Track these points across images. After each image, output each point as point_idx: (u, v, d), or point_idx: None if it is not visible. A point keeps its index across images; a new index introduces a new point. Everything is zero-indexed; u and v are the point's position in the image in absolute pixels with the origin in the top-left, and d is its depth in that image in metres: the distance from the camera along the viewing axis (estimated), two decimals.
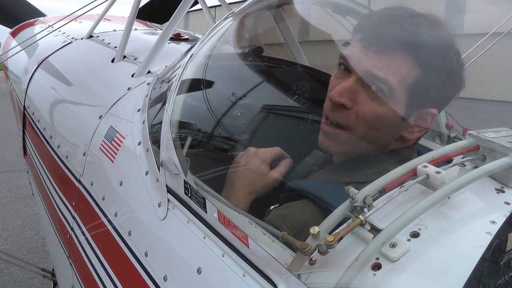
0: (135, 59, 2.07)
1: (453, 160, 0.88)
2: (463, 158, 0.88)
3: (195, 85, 1.46)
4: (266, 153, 1.27)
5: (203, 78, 1.53)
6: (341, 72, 1.11)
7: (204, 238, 1.01)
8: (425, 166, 0.81)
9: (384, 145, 1.12)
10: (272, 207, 1.11)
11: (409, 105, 1.04)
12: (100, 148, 1.62)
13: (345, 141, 1.11)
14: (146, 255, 1.17)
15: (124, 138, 1.53)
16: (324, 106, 1.14)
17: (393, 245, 0.71)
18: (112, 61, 2.12)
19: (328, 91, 1.12)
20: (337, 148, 1.14)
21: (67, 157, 1.86)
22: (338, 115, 1.09)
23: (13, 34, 3.55)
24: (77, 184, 1.70)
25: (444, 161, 0.86)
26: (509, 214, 0.74)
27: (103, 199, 1.48)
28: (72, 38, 2.66)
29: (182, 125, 1.35)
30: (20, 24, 3.60)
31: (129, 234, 1.28)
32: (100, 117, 1.73)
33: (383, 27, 1.08)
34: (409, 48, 1.02)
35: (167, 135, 1.21)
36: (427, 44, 1.04)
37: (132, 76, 1.88)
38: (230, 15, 1.49)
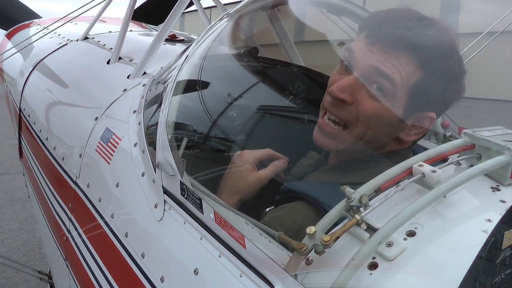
0: (130, 60, 2.07)
1: (448, 159, 0.88)
2: (458, 157, 0.88)
3: (191, 86, 1.46)
4: (251, 154, 1.26)
5: (199, 79, 1.53)
6: (343, 68, 1.10)
7: (201, 239, 1.02)
8: (420, 165, 0.81)
9: (381, 145, 1.12)
10: (268, 209, 1.11)
11: (409, 106, 1.04)
12: (96, 150, 1.61)
13: (344, 140, 1.10)
14: (143, 256, 1.17)
15: (120, 139, 1.53)
16: (323, 101, 1.14)
17: (389, 244, 0.72)
18: (108, 62, 2.12)
19: (328, 86, 1.11)
20: (335, 146, 1.14)
21: (63, 159, 1.86)
22: (337, 111, 1.09)
23: (8, 36, 3.54)
24: (73, 186, 1.70)
25: (440, 160, 0.87)
26: (504, 212, 0.75)
27: (100, 201, 1.48)
28: (68, 40, 2.65)
29: (178, 126, 1.35)
30: (16, 26, 3.59)
31: (126, 235, 1.27)
32: (96, 118, 1.73)
33: (389, 26, 1.08)
34: (414, 50, 1.02)
35: (163, 136, 1.21)
36: (432, 47, 1.04)
37: (128, 77, 1.87)
38: (225, 16, 1.50)
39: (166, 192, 1.18)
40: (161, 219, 1.17)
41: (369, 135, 1.08)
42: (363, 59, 1.05)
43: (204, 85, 1.59)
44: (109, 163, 1.52)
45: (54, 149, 1.97)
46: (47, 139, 2.09)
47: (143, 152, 1.36)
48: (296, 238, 0.74)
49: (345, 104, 1.06)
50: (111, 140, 1.56)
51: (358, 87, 1.05)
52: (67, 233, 1.71)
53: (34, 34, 2.96)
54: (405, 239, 0.73)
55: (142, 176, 1.32)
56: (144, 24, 3.20)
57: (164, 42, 1.99)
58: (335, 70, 1.13)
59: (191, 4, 2.15)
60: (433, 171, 0.79)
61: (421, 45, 1.03)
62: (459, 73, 1.07)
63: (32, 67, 2.58)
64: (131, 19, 2.21)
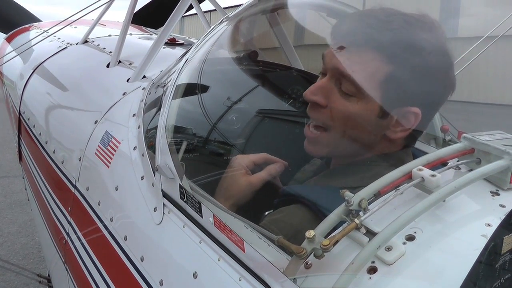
0: (130, 64, 2.07)
1: (448, 163, 0.88)
2: (458, 161, 0.89)
3: (190, 89, 1.46)
4: (245, 158, 1.26)
5: (198, 82, 1.53)
6: (321, 74, 1.12)
7: (200, 243, 1.01)
8: (420, 169, 0.81)
9: (368, 144, 1.10)
10: (266, 213, 1.11)
11: (385, 102, 1.02)
12: (95, 153, 1.61)
13: (325, 143, 1.11)
14: (142, 260, 1.17)
15: (119, 143, 1.53)
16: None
17: (388, 249, 0.72)
18: (107, 66, 2.12)
19: None
20: (320, 151, 1.15)
21: (62, 162, 1.86)
22: (313, 114, 1.10)
23: (8, 40, 3.54)
24: (72, 189, 1.70)
25: (439, 164, 0.87)
26: (504, 216, 0.75)
27: (99, 204, 1.48)
28: (67, 43, 2.65)
29: (177, 129, 1.35)
30: (15, 30, 3.59)
31: (125, 239, 1.27)
32: (96, 122, 1.73)
33: (352, 26, 1.09)
34: (376, 45, 1.01)
35: (162, 140, 1.21)
36: (397, 41, 1.02)
37: (127, 81, 1.87)
38: (225, 20, 1.50)
39: (165, 195, 1.18)
40: (160, 222, 1.17)
41: (349, 135, 1.08)
42: (329, 61, 1.07)
43: (204, 88, 1.59)
44: (108, 167, 1.52)
45: (54, 153, 1.97)
46: (46, 143, 2.09)
47: (143, 156, 1.36)
48: (293, 241, 0.74)
49: (320, 107, 1.08)
50: (110, 143, 1.56)
51: (329, 89, 1.06)
52: (66, 236, 1.71)
53: (34, 38, 2.97)
54: (404, 243, 0.73)
55: (142, 179, 1.32)
56: (143, 28, 3.20)
57: (163, 46, 1.99)
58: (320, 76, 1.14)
59: (190, 7, 2.16)
60: (433, 176, 0.79)
61: (384, 39, 1.02)
62: (441, 66, 1.04)
63: (32, 71, 2.58)
64: (131, 23, 2.22)
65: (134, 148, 1.44)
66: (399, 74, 1.00)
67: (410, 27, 1.03)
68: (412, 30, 1.03)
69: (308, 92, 1.09)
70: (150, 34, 2.97)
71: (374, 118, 1.04)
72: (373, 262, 0.71)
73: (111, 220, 1.38)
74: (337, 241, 0.71)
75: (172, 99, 1.30)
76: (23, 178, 2.88)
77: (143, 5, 3.62)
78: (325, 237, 0.72)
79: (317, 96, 1.08)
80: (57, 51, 2.60)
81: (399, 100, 1.04)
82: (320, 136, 1.11)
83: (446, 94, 1.08)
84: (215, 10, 2.76)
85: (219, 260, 0.94)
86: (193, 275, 0.98)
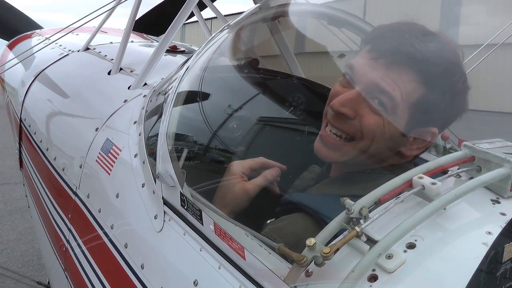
0: (131, 71, 2.08)
1: (448, 171, 0.88)
2: (458, 169, 0.89)
3: (191, 97, 1.47)
4: (241, 164, 1.24)
5: (199, 90, 1.54)
6: (345, 81, 1.11)
7: (201, 250, 1.01)
8: (420, 177, 0.81)
9: (383, 159, 1.11)
10: (268, 221, 1.10)
11: (411, 122, 1.04)
12: (96, 160, 1.62)
13: (347, 152, 1.10)
14: (142, 267, 1.17)
15: (120, 150, 1.53)
16: (325, 113, 1.14)
17: (389, 257, 0.71)
18: (109, 73, 2.13)
19: (330, 98, 1.11)
20: (337, 158, 1.13)
21: (63, 170, 1.86)
22: (340, 124, 1.09)
23: (10, 47, 3.56)
24: (73, 196, 1.70)
25: (440, 172, 0.87)
26: (505, 225, 0.75)
27: (100, 212, 1.48)
28: (69, 51, 2.67)
29: (178, 137, 1.35)
30: (17, 37, 3.61)
31: (126, 246, 1.27)
32: (97, 129, 1.73)
33: (393, 41, 1.08)
34: (416, 66, 1.01)
35: (163, 147, 1.21)
36: (435, 64, 1.04)
37: (129, 88, 1.88)
38: (226, 28, 1.51)
39: (166, 203, 1.18)
40: (161, 230, 1.17)
41: (371, 149, 1.08)
42: (365, 74, 1.06)
43: (205, 96, 1.60)
44: (109, 174, 1.52)
45: (55, 160, 1.97)
46: (47, 150, 2.09)
47: (144, 163, 1.36)
48: (295, 250, 0.74)
49: (347, 118, 1.07)
50: (111, 150, 1.57)
51: (359, 101, 1.06)
52: (66, 243, 1.71)
53: (36, 45, 2.98)
54: (405, 251, 0.73)
55: (142, 187, 1.32)
56: (145, 35, 3.22)
57: (165, 53, 2.00)
58: (337, 82, 1.13)
59: (192, 15, 2.17)
60: (433, 183, 0.79)
61: (424, 61, 1.02)
62: (463, 89, 1.07)
63: (33, 78, 2.59)
64: (132, 30, 2.23)
65: (135, 156, 1.44)
66: (431, 97, 1.02)
67: (444, 49, 1.05)
68: (446, 54, 1.05)
69: (338, 103, 1.08)
70: (152, 42, 2.98)
71: (397, 135, 1.06)
72: (373, 270, 0.71)
73: (112, 228, 1.38)
74: (337, 249, 0.71)
75: (173, 107, 1.30)
76: (23, 185, 2.88)
77: (144, 13, 3.65)
78: (326, 245, 0.72)
79: (346, 108, 1.07)
80: (59, 58, 2.61)
81: (424, 121, 1.06)
82: (342, 144, 1.10)
83: (461, 114, 1.11)
84: (216, 17, 2.78)
85: (219, 268, 0.94)
86: (194, 283, 0.98)
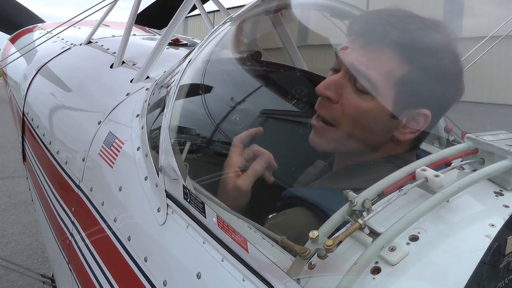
0: (133, 64, 2.08)
1: (452, 163, 0.88)
2: (461, 161, 0.88)
3: (194, 90, 1.47)
4: (236, 157, 1.22)
5: (202, 83, 1.54)
6: (332, 70, 1.11)
7: (204, 243, 1.02)
8: (423, 170, 0.81)
9: (375, 144, 1.10)
10: (270, 216, 1.11)
11: (398, 102, 1.02)
12: (99, 154, 1.62)
13: (332, 138, 1.10)
14: (145, 260, 1.17)
15: (123, 143, 1.54)
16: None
17: (392, 249, 0.72)
18: (111, 66, 2.13)
19: None
20: (325, 145, 1.13)
21: (66, 163, 1.87)
22: (324, 109, 1.09)
23: (12, 41, 3.57)
24: (76, 189, 1.71)
25: (443, 164, 0.87)
26: (508, 217, 0.75)
27: (103, 205, 1.49)
28: (71, 44, 2.67)
29: (180, 130, 1.36)
30: (19, 31, 3.61)
31: (129, 239, 1.28)
32: (99, 122, 1.74)
33: (371, 23, 1.08)
34: (394, 44, 1.01)
35: (166, 140, 1.22)
36: (415, 42, 1.03)
37: (131, 81, 1.88)
38: (228, 20, 1.50)
39: (169, 196, 1.19)
40: (164, 223, 1.17)
41: (359, 133, 1.07)
42: (344, 57, 1.06)
43: (207, 89, 1.60)
44: (112, 167, 1.53)
45: (57, 153, 1.98)
46: (50, 143, 2.10)
47: (146, 156, 1.36)
48: (297, 243, 0.74)
49: (331, 103, 1.07)
50: (114, 144, 1.57)
51: (342, 85, 1.06)
52: (70, 236, 1.72)
53: (38, 39, 2.99)
54: (408, 243, 0.73)
55: (145, 180, 1.32)
56: (147, 28, 3.22)
57: (167, 46, 2.00)
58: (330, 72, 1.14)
59: (194, 8, 2.16)
60: (436, 176, 0.79)
61: (402, 39, 1.02)
62: (454, 70, 1.05)
63: (36, 71, 2.59)
64: (135, 23, 2.23)
65: (138, 149, 1.44)
66: (414, 76, 1.00)
67: (428, 29, 1.03)
68: (430, 33, 1.03)
69: (321, 87, 1.08)
70: (154, 35, 2.98)
71: (385, 118, 1.04)
72: (376, 262, 0.71)
73: (115, 221, 1.38)
74: (340, 242, 0.71)
75: (175, 100, 1.30)
76: (27, 178, 2.90)
77: (146, 6, 3.64)
78: (329, 237, 0.72)
79: (330, 91, 1.07)
80: (61, 51, 2.61)
81: (412, 101, 1.04)
82: (327, 129, 1.10)
83: (455, 98, 1.09)
84: (218, 10, 2.77)
85: (222, 261, 0.95)
86: (197, 275, 0.98)
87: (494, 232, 0.72)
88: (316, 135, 1.13)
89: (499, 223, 0.73)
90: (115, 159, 1.53)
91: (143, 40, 2.74)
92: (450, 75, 1.05)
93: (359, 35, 1.06)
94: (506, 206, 0.78)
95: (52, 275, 2.83)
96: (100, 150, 1.62)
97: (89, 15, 2.30)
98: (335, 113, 1.07)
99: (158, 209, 1.20)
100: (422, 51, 1.02)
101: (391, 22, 1.02)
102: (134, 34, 2.56)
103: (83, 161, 1.71)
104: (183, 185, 1.11)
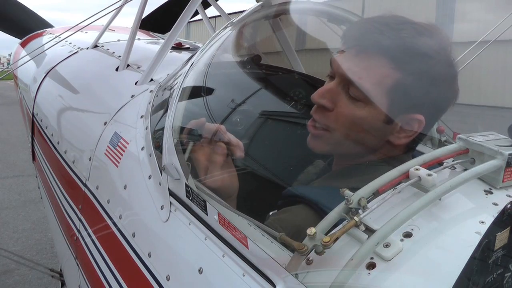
0: (138, 67, 2.10)
1: (444, 163, 0.89)
2: (453, 161, 0.90)
3: (196, 92, 1.48)
4: (203, 156, 1.17)
5: (204, 85, 1.55)
6: (329, 77, 1.13)
7: (205, 239, 1.04)
8: (417, 169, 0.82)
9: (371, 147, 1.11)
10: (271, 213, 1.12)
11: (391, 109, 1.03)
12: (105, 153, 1.65)
13: (328, 142, 1.12)
14: (149, 255, 1.20)
15: (128, 143, 1.56)
16: None
17: (387, 245, 0.73)
18: (117, 69, 2.15)
19: None
20: (322, 147, 1.15)
21: (73, 162, 1.90)
22: (319, 116, 1.11)
23: (23, 45, 3.60)
24: (83, 188, 1.73)
25: (435, 164, 0.88)
26: (497, 214, 0.76)
27: (108, 202, 1.51)
28: (78, 48, 2.70)
29: (183, 130, 1.38)
30: (29, 35, 3.65)
31: (133, 235, 1.30)
32: (105, 123, 1.76)
33: (364, 31, 1.09)
34: (385, 51, 1.01)
35: (169, 141, 1.24)
36: (407, 49, 1.03)
37: (136, 84, 1.90)
38: (229, 25, 1.52)
39: (172, 194, 1.21)
40: (167, 220, 1.19)
41: (354, 139, 1.09)
42: (337, 65, 1.07)
43: (209, 91, 1.61)
44: (117, 166, 1.55)
45: (65, 153, 2.01)
46: (58, 143, 2.13)
47: (150, 156, 1.38)
48: (296, 239, 0.76)
49: (326, 110, 1.08)
50: (119, 144, 1.59)
51: (337, 92, 1.07)
52: (77, 233, 1.74)
53: (47, 43, 3.01)
54: (402, 240, 0.74)
55: (149, 178, 1.35)
56: (151, 33, 3.23)
57: (170, 50, 2.01)
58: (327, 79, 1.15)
59: (196, 13, 2.18)
60: (429, 175, 0.80)
61: (394, 46, 1.02)
62: (446, 74, 1.05)
63: (45, 74, 2.62)
64: (139, 28, 2.25)
65: (142, 149, 1.47)
66: (407, 82, 1.01)
67: (420, 36, 1.03)
68: (422, 39, 1.03)
69: (316, 95, 1.10)
70: (157, 39, 3.00)
71: (379, 123, 1.05)
72: (372, 258, 0.73)
73: (120, 218, 1.41)
74: (337, 238, 0.72)
75: (178, 101, 1.32)
76: (36, 177, 2.94)
77: (150, 12, 3.67)
78: (326, 234, 0.74)
79: (325, 99, 1.08)
80: (69, 55, 2.64)
81: (405, 107, 1.05)
82: (323, 133, 1.11)
83: (449, 103, 1.10)
84: (220, 16, 2.79)
85: (223, 256, 0.97)
86: (199, 270, 1.00)
87: (484, 229, 0.73)
88: (312, 139, 1.15)
89: (489, 220, 0.75)
90: (120, 159, 1.55)
91: (147, 44, 2.76)
92: (443, 80, 1.05)
93: (352, 44, 1.07)
94: (495, 204, 0.79)
95: (60, 270, 2.85)
96: (106, 150, 1.65)
97: (96, 20, 2.32)
98: (330, 120, 1.09)
99: (161, 207, 1.23)
100: (414, 58, 1.03)
101: (383, 31, 1.03)
102: (139, 39, 2.57)
103: (90, 160, 1.73)
104: (185, 183, 1.13)
